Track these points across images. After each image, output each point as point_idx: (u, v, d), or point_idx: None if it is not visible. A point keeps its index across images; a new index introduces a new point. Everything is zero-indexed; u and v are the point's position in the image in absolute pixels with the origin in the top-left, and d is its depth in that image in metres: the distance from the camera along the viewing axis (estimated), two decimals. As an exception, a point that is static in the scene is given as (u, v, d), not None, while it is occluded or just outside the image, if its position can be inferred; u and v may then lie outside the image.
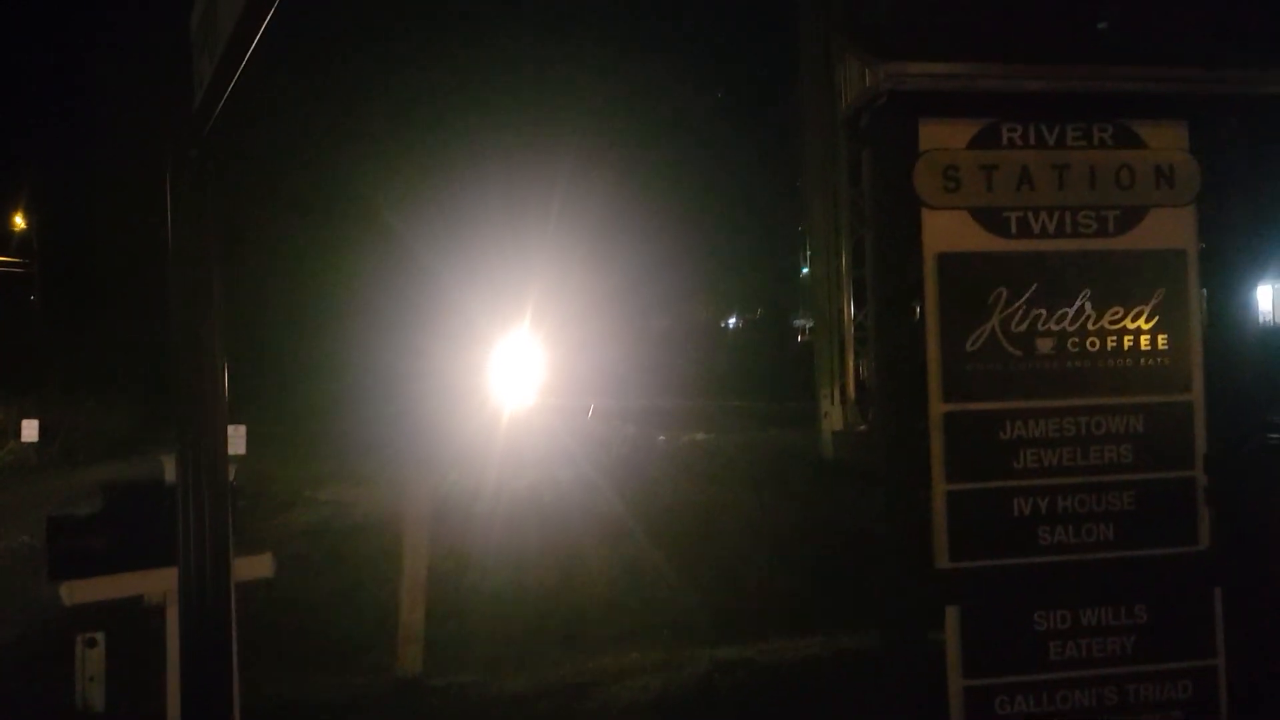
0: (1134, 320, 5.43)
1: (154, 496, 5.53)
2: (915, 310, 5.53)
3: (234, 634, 3.99)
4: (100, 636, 6.38)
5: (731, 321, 59.39)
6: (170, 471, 5.26)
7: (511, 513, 14.69)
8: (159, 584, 5.42)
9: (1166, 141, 5.50)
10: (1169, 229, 5.50)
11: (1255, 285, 5.75)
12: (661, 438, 23.88)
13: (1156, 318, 5.44)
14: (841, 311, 20.94)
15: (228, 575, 3.55)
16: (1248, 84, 5.44)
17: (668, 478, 17.75)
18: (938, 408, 5.32)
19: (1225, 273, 5.59)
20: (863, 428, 19.83)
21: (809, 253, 22.58)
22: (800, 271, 23.92)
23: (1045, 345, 5.38)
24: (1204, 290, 5.61)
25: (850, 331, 20.75)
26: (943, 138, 5.36)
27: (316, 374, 29.48)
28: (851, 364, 20.82)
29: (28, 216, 34.55)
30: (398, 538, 8.69)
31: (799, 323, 42.26)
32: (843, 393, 20.86)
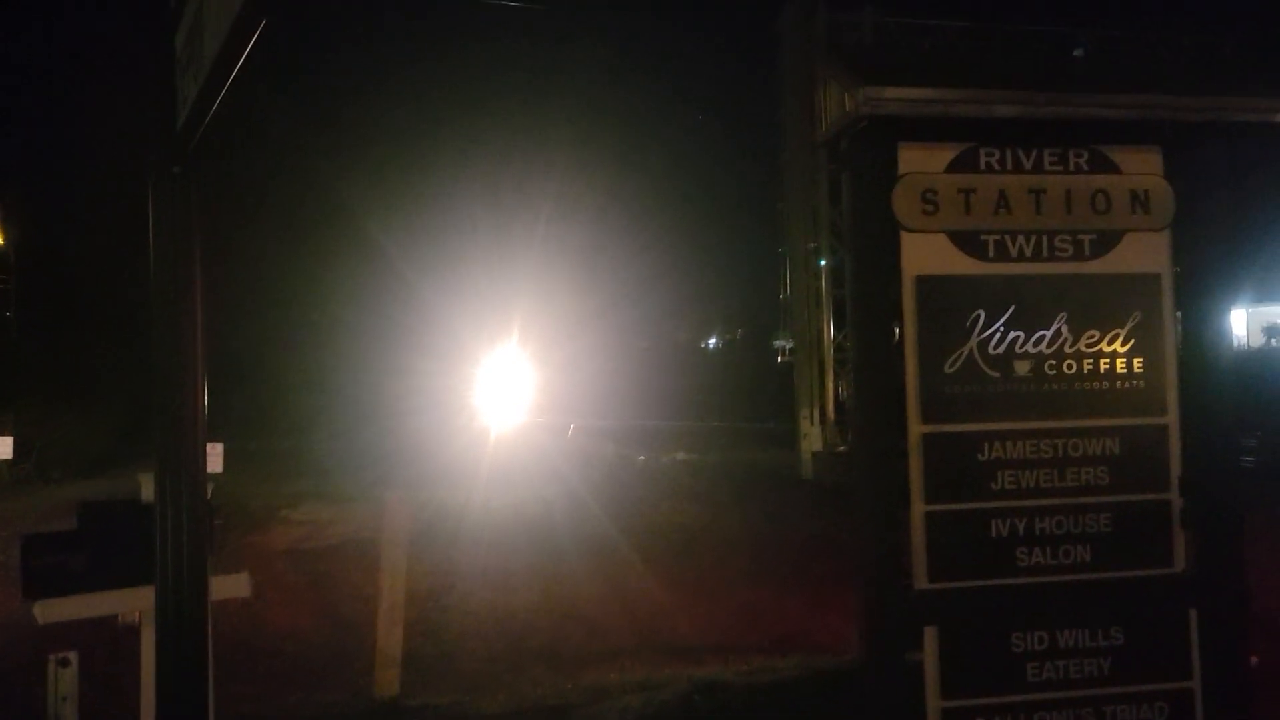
0: (1110, 343, 5.49)
1: (130, 515, 5.48)
2: (894, 332, 5.57)
3: (210, 653, 3.96)
4: (73, 656, 6.31)
5: (712, 342, 59.57)
6: (147, 490, 5.23)
7: (492, 531, 14.66)
8: (134, 603, 5.37)
9: (1141, 167, 5.58)
10: (1144, 253, 5.57)
11: (1229, 309, 5.82)
12: (642, 457, 23.90)
13: (1132, 341, 5.50)
14: (821, 332, 21.06)
15: (204, 594, 3.54)
16: (1220, 111, 5.53)
17: (649, 497, 17.76)
18: (916, 429, 5.36)
19: (1200, 296, 5.66)
20: (842, 448, 19.89)
21: (789, 274, 22.68)
22: (780, 292, 24.00)
23: (1023, 367, 5.43)
24: (1179, 314, 5.68)
25: (830, 352, 20.86)
26: (921, 161, 5.42)
27: (296, 391, 29.38)
28: (831, 385, 20.92)
29: (5, 231, 34.31)
30: (376, 557, 8.64)
31: (779, 343, 42.44)
32: (822, 413, 20.94)
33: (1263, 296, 42.15)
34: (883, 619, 5.37)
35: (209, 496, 3.94)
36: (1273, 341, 40.81)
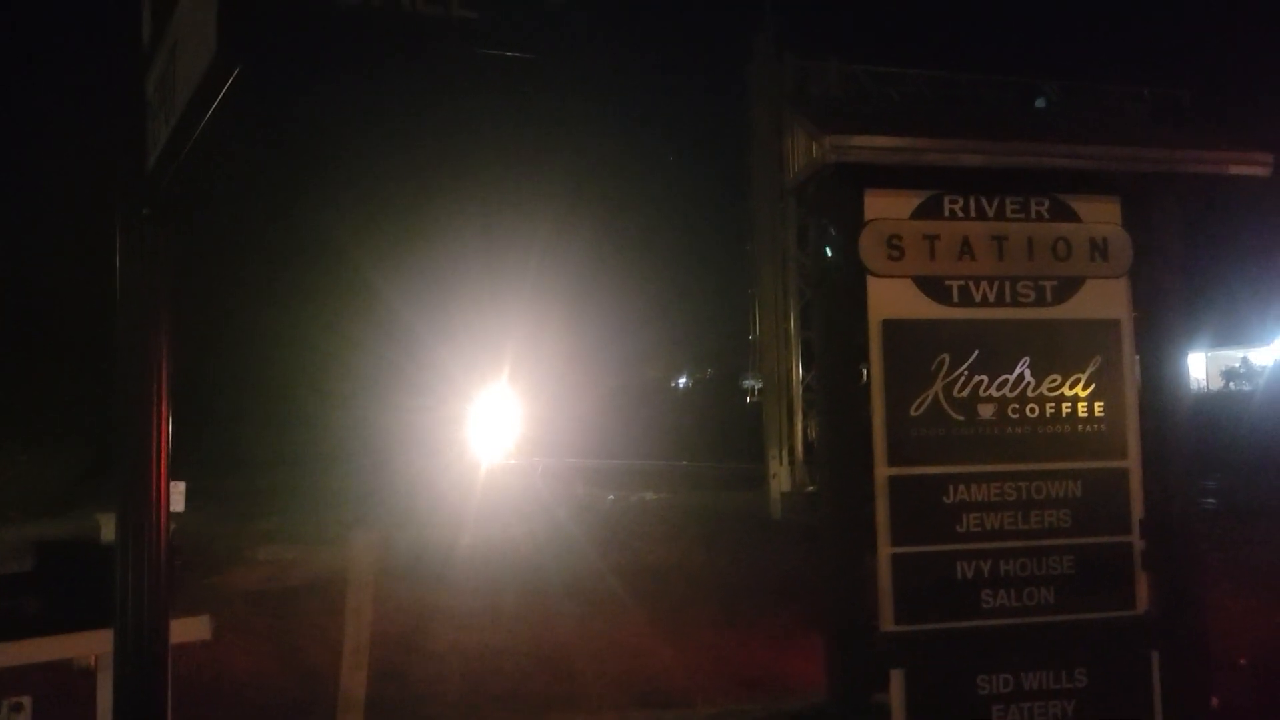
0: (1071, 387, 5.57)
1: (89, 556, 5.40)
2: (861, 374, 5.63)
3: (169, 698, 3.90)
4: (27, 701, 6.17)
5: (682, 381, 59.67)
6: (107, 530, 5.16)
7: (460, 571, 14.54)
8: (92, 646, 5.28)
9: (1100, 215, 5.70)
10: (1104, 299, 5.68)
11: (1187, 353, 5.93)
12: (612, 496, 23.84)
13: (1093, 385, 5.59)
14: (790, 373, 21.17)
15: (165, 638, 3.49)
16: (1176, 163, 5.67)
17: (617, 537, 17.69)
18: (882, 471, 5.40)
19: (1158, 341, 5.76)
20: (811, 488, 19.94)
21: (758, 315, 22.82)
22: (749, 333, 24.15)
23: (986, 411, 5.50)
24: (1138, 358, 5.78)
25: (799, 392, 20.96)
26: (887, 208, 5.51)
27: (266, 428, 29.09)
28: (800, 425, 20.99)
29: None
30: (340, 598, 8.54)
31: (748, 383, 42.59)
32: (791, 453, 21.00)
33: (1221, 340, 42.92)
34: (849, 661, 5.37)
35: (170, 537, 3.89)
36: (1231, 384, 41.47)
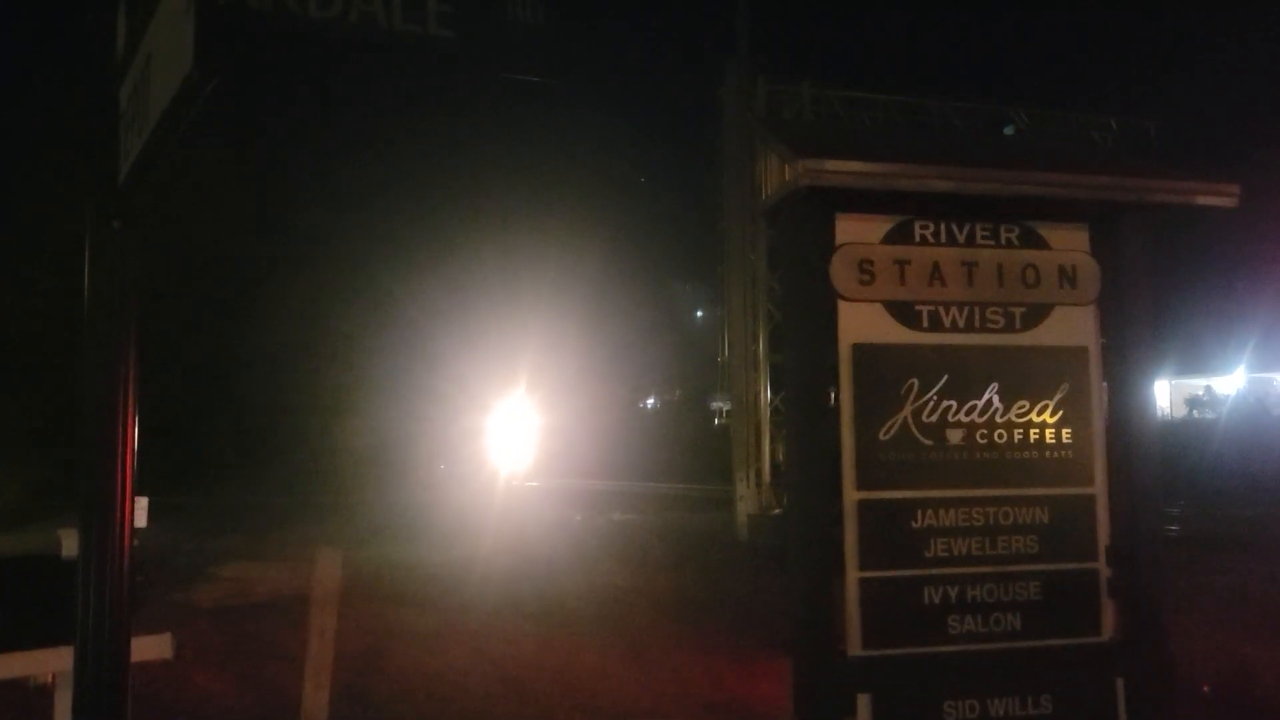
0: (1039, 414, 5.61)
1: (48, 572, 5.32)
2: (830, 397, 5.63)
3: (128, 717, 3.83)
4: (-20, 720, 6.05)
5: (650, 402, 59.68)
6: (68, 546, 5.08)
7: (424, 590, 14.43)
8: (50, 664, 5.19)
9: (1069, 243, 5.75)
10: (1072, 326, 5.72)
11: (1153, 381, 5.99)
12: (579, 517, 23.77)
13: (1061, 412, 5.63)
14: (758, 395, 21.23)
15: (126, 657, 3.43)
16: (1143, 192, 5.73)
17: (584, 558, 17.63)
18: (851, 495, 5.40)
19: (1124, 369, 5.81)
20: (777, 511, 19.98)
21: (727, 336, 22.89)
22: (719, 354, 24.20)
23: (955, 436, 5.51)
24: (1105, 385, 5.82)
25: (766, 414, 21.02)
26: (858, 232, 5.53)
27: (224, 443, 28.77)
28: (767, 447, 21.04)
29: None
30: (304, 617, 8.44)
31: (716, 405, 42.68)
32: (758, 476, 21.04)
33: (1185, 369, 43.53)
34: (815, 685, 5.35)
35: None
36: (1194, 412, 42.02)
